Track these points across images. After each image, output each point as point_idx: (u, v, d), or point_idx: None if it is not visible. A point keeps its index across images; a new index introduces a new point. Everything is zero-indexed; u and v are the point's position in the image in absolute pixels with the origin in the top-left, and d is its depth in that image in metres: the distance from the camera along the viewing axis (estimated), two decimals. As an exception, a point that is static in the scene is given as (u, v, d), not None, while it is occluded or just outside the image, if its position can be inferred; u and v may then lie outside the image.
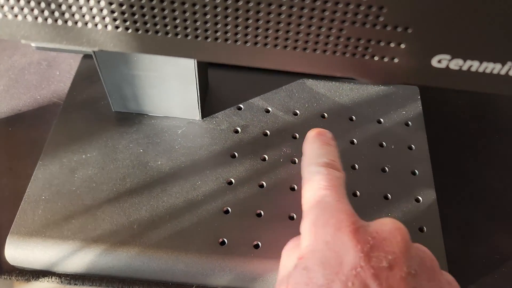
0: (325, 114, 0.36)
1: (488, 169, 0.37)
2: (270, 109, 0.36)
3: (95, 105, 0.36)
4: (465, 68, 0.16)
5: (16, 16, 0.16)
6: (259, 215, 0.31)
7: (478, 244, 0.32)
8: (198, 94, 0.33)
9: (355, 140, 0.35)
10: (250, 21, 0.15)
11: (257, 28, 0.16)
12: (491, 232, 0.33)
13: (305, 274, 0.21)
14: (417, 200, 0.32)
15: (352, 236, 0.21)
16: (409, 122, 0.36)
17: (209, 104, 0.36)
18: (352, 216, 0.22)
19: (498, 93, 0.17)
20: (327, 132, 0.29)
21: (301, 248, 0.23)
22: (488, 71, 0.16)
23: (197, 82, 0.32)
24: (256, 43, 0.16)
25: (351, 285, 0.19)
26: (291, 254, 0.25)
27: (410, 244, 0.22)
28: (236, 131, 0.35)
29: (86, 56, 0.38)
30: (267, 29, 0.16)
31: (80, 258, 0.29)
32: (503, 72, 0.16)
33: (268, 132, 0.35)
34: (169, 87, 0.33)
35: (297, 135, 0.35)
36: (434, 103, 0.40)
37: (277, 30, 0.16)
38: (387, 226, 0.22)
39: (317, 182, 0.25)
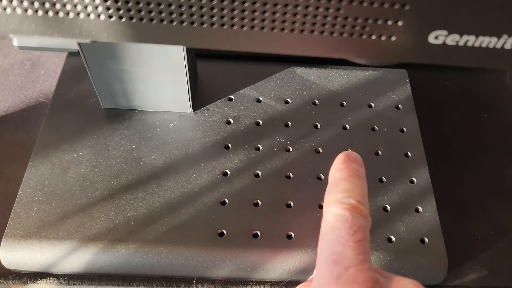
0: (316, 101, 0.36)
1: (478, 147, 0.37)
2: (261, 98, 0.36)
3: (84, 103, 0.35)
4: (461, 43, 0.16)
5: (5, 9, 0.15)
6: (256, 204, 0.31)
7: (473, 221, 0.33)
8: (189, 87, 0.33)
9: (347, 126, 0.35)
10: (247, 4, 0.15)
11: (253, 11, 0.15)
12: (485, 209, 0.34)
13: None
14: (412, 182, 0.33)
15: None
16: (400, 105, 0.36)
17: (199, 96, 0.36)
18: None
19: (494, 67, 0.17)
20: (358, 158, 0.25)
21: None
22: (484, 45, 0.16)
23: (187, 75, 0.32)
24: (253, 27, 0.16)
25: None
26: None
27: None
28: (228, 122, 0.35)
29: (71, 54, 0.38)
30: (264, 12, 0.15)
31: (77, 258, 0.29)
32: (498, 45, 0.16)
33: (260, 121, 0.35)
34: (159, 81, 0.32)
35: (289, 123, 0.35)
36: (423, 85, 0.40)
37: (274, 13, 0.15)
38: None
39: (338, 232, 0.22)
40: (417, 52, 0.16)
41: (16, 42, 0.38)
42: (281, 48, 0.16)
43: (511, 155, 0.37)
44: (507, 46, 0.17)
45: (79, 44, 0.30)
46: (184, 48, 0.29)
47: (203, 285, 0.29)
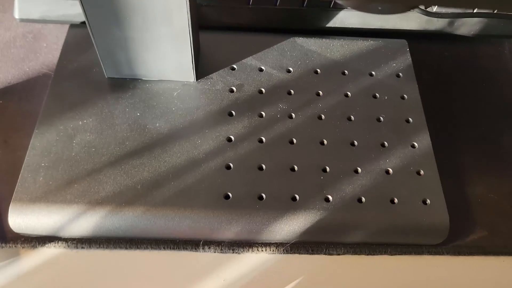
0: (318, 70, 0.37)
1: (477, 115, 0.38)
2: (263, 67, 0.36)
3: (87, 73, 0.35)
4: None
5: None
6: (261, 168, 0.31)
7: (473, 185, 0.33)
8: (193, 55, 0.33)
9: (349, 93, 0.35)
10: None
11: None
12: (486, 173, 0.34)
13: None
14: (413, 146, 0.33)
15: None
16: (400, 74, 0.37)
17: (202, 66, 0.36)
18: None
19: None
20: None
21: None
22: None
23: (191, 42, 0.32)
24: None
25: None
26: None
27: None
28: (232, 91, 0.35)
29: (73, 26, 0.38)
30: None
31: (85, 221, 0.29)
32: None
33: (263, 89, 0.35)
34: (163, 48, 0.32)
35: (292, 91, 0.35)
36: (423, 56, 0.40)
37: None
38: None
39: None
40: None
41: (17, 14, 0.38)
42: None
43: (508, 122, 0.37)
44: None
45: (84, 10, 0.30)
46: (189, 15, 0.30)
47: (209, 247, 0.30)
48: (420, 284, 0.30)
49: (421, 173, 0.32)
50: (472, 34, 0.41)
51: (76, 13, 0.38)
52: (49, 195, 0.29)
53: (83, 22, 0.38)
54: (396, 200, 0.31)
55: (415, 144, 0.33)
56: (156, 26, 0.31)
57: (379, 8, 0.21)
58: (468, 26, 0.40)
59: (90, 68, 0.35)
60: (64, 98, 0.34)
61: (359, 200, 0.30)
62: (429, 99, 0.37)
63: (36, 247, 0.30)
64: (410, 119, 0.34)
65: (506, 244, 0.32)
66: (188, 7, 0.29)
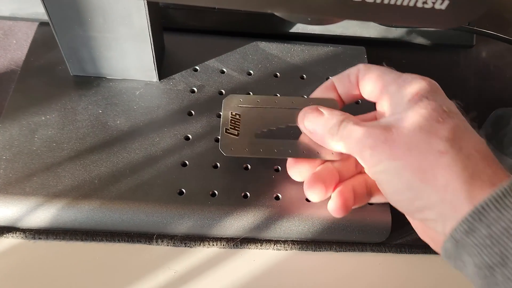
0: (278, 74, 0.38)
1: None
2: (225, 70, 0.38)
3: (53, 70, 0.36)
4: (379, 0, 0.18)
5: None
6: (215, 166, 0.33)
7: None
8: (154, 56, 0.34)
9: (305, 96, 0.37)
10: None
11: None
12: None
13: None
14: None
15: None
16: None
17: (166, 66, 0.37)
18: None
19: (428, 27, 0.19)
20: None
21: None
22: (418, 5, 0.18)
23: (152, 43, 0.33)
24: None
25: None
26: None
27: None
28: (193, 91, 0.36)
29: (42, 24, 0.39)
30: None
31: (43, 213, 0.30)
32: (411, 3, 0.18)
33: (223, 91, 0.36)
34: (125, 48, 0.34)
35: (251, 93, 0.37)
36: (381, 62, 0.42)
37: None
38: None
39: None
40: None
41: (-12, 11, 0.39)
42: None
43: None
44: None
45: (47, 10, 0.31)
46: (147, 16, 0.31)
47: (162, 241, 0.31)
48: (363, 280, 0.32)
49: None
50: (429, 43, 0.42)
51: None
52: (8, 187, 0.30)
53: (52, 21, 0.39)
54: (342, 200, 0.32)
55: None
56: (117, 27, 0.32)
57: (309, 19, 0.22)
58: (425, 35, 0.42)
59: (56, 66, 0.36)
60: (29, 94, 0.35)
61: (308, 199, 0.32)
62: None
63: (-6, 237, 0.31)
64: (362, 123, 0.36)
65: (447, 244, 0.33)
66: (147, 9, 0.30)
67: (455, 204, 0.23)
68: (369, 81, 0.29)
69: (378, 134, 0.26)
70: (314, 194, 0.29)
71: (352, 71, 0.30)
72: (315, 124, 0.29)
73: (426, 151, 0.24)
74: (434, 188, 0.24)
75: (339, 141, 0.28)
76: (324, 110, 0.29)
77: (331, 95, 0.32)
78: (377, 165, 0.26)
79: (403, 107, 0.26)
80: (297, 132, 0.31)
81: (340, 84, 0.31)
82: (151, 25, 0.32)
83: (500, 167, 0.24)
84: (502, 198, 0.22)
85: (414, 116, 0.25)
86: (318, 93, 0.32)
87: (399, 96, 0.27)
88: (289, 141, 0.31)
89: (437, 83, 0.28)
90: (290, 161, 0.31)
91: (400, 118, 0.26)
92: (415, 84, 0.27)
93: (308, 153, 0.31)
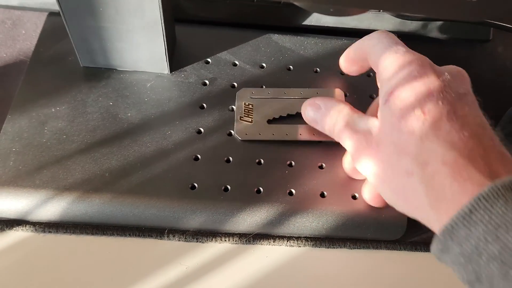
0: (291, 67, 0.37)
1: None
2: (237, 62, 0.37)
3: (63, 61, 0.36)
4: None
5: None
6: (228, 161, 0.32)
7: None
8: (166, 47, 0.33)
9: (317, 92, 0.36)
10: None
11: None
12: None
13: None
14: (378, 145, 0.34)
15: (433, 70, 0.25)
16: (371, 73, 0.38)
17: (177, 58, 0.37)
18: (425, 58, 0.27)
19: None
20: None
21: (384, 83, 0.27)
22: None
23: (164, 35, 0.32)
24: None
25: (441, 103, 0.24)
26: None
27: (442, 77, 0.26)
28: (204, 84, 0.36)
29: (52, 14, 0.38)
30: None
31: (53, 206, 0.30)
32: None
33: (235, 84, 0.36)
34: (136, 39, 0.33)
35: (263, 86, 0.36)
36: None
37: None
38: (454, 69, 0.27)
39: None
40: None
41: (-4, 0, 0.38)
42: None
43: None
44: None
45: (58, 0, 0.30)
46: (160, 7, 0.30)
47: (174, 235, 0.31)
48: (377, 278, 0.31)
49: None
50: (445, 37, 0.42)
51: (55, 1, 0.38)
52: (18, 180, 0.30)
53: (61, 11, 0.38)
54: (357, 196, 0.31)
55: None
56: (129, 17, 0.31)
57: (331, 10, 0.22)
58: (441, 29, 0.41)
59: (66, 57, 0.36)
60: (39, 85, 0.34)
61: (322, 195, 0.31)
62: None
63: (4, 230, 0.30)
64: (377, 118, 0.35)
65: (462, 242, 0.33)
66: (160, 0, 0.30)
67: (430, 223, 0.24)
68: (371, 59, 0.29)
69: (362, 143, 0.27)
70: None
71: (365, 43, 0.30)
72: (314, 117, 0.31)
73: (397, 172, 0.25)
74: (410, 208, 0.25)
75: (338, 140, 0.30)
76: (322, 103, 0.31)
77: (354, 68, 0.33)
78: (365, 171, 0.28)
79: (380, 107, 0.27)
80: None
81: (355, 55, 0.32)
82: (163, 16, 0.31)
83: (470, 175, 0.22)
84: (469, 214, 0.21)
85: (385, 126, 0.26)
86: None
87: (381, 90, 0.27)
88: (299, 125, 0.33)
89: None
90: None
91: (377, 125, 0.27)
92: (394, 75, 0.26)
93: (319, 135, 0.33)
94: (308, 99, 0.32)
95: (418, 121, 0.24)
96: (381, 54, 0.28)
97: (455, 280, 0.31)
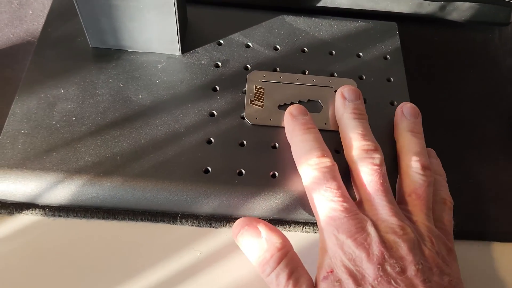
0: (305, 49, 0.36)
1: (461, 101, 0.38)
2: (250, 44, 0.36)
3: (72, 41, 0.35)
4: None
5: None
6: (242, 144, 0.31)
7: (454, 171, 0.33)
8: (178, 27, 0.32)
9: (335, 74, 0.35)
10: None
11: None
12: (466, 159, 0.34)
13: (338, 285, 0.25)
14: (396, 129, 0.33)
15: (367, 253, 0.25)
16: (388, 56, 0.37)
17: (188, 40, 0.36)
18: (362, 231, 0.26)
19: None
20: (300, 109, 0.31)
21: (323, 264, 0.26)
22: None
23: (176, 13, 0.31)
24: None
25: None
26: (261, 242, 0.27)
27: (412, 244, 0.25)
28: (217, 66, 0.35)
29: (60, -7, 0.37)
30: None
31: (63, 190, 0.29)
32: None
33: (249, 66, 0.35)
34: (148, 19, 0.32)
35: (278, 68, 0.35)
36: (412, 39, 0.40)
37: None
38: (390, 236, 0.26)
39: (318, 191, 0.27)
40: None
41: (3, -21, 0.37)
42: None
43: (491, 110, 0.37)
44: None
45: (67, -25, 0.29)
46: (173, -16, 0.29)
47: (187, 220, 0.30)
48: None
49: (402, 155, 0.32)
50: (463, 19, 0.40)
51: (62, -20, 0.37)
52: (27, 162, 0.29)
53: (69, -10, 0.37)
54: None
55: (398, 126, 0.33)
56: (141, -5, 0.30)
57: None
58: (459, 11, 0.40)
59: (75, 37, 0.35)
60: (47, 66, 0.33)
61: (338, 180, 0.30)
62: (415, 83, 0.37)
63: (13, 213, 0.30)
64: (395, 101, 0.34)
65: (482, 230, 0.32)
66: (173, -23, 0.29)
67: None
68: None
69: None
70: None
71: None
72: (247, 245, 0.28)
73: None
74: None
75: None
76: (263, 231, 0.28)
77: None
78: None
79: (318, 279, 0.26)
80: (319, 106, 0.33)
81: None
82: (176, -6, 0.30)
83: None
84: None
85: None
86: None
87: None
88: (311, 113, 0.32)
89: None
90: None
91: None
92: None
93: (329, 125, 0.32)
94: (244, 220, 0.28)
95: None
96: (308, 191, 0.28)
97: (477, 267, 0.31)
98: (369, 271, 0.24)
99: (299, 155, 0.29)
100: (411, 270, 0.24)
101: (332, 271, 0.25)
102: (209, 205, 0.30)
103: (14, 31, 0.37)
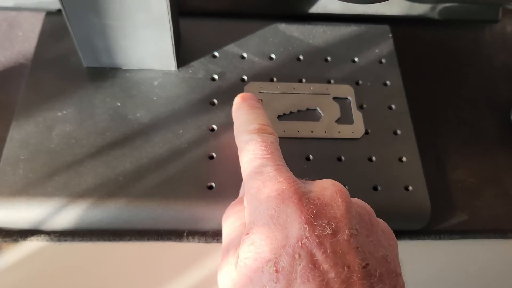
0: (301, 57, 0.36)
1: (457, 99, 0.38)
2: (245, 55, 0.36)
3: (65, 62, 0.34)
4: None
5: None
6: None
7: (454, 170, 0.34)
8: (173, 42, 0.32)
9: (332, 80, 0.35)
10: None
11: None
12: (466, 157, 0.35)
13: (253, 249, 0.21)
14: (395, 133, 0.33)
15: (296, 207, 0.21)
16: (383, 60, 0.37)
17: (183, 54, 0.35)
18: (293, 184, 0.22)
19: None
20: (252, 96, 0.29)
21: (246, 222, 0.23)
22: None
23: (171, 29, 0.31)
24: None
25: (298, 257, 0.20)
26: (234, 222, 0.24)
27: (350, 205, 0.22)
28: (213, 79, 0.35)
29: (50, 13, 0.37)
30: None
31: (67, 214, 0.29)
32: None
33: (245, 77, 0.35)
34: (142, 36, 0.32)
35: (274, 78, 0.35)
36: (404, 41, 0.40)
37: None
38: (328, 191, 0.22)
39: (252, 151, 0.24)
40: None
41: (-10, 1, 0.37)
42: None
43: (487, 107, 0.38)
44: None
45: (59, -3, 0.29)
46: (167, 0, 0.29)
47: (194, 237, 0.30)
48: (403, 268, 0.31)
49: (403, 159, 0.32)
50: (454, 18, 0.41)
51: (51, 0, 0.37)
52: (29, 188, 0.29)
53: (60, 10, 0.36)
54: (379, 187, 0.31)
55: (398, 131, 0.33)
56: (135, 13, 0.30)
57: (360, -3, 0.21)
58: (450, 11, 0.40)
59: (68, 57, 0.35)
60: (42, 88, 0.33)
61: (342, 188, 0.31)
62: (411, 84, 0.37)
63: (18, 240, 0.29)
64: (392, 105, 0.34)
65: (485, 228, 0.32)
66: (167, -6, 0.28)
67: None
68: None
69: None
70: None
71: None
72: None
73: None
74: None
75: None
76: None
77: None
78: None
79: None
80: (318, 114, 0.33)
81: None
82: (170, 9, 0.30)
83: None
84: None
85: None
86: None
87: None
88: (310, 122, 0.33)
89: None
90: None
91: None
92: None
93: (329, 133, 0.32)
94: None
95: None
96: (239, 154, 0.25)
97: (480, 265, 0.31)
98: (292, 230, 0.20)
99: (240, 124, 0.27)
100: (343, 234, 0.21)
101: (248, 233, 0.22)
102: (215, 221, 0.30)
103: (5, 53, 0.37)
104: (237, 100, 0.29)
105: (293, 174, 0.24)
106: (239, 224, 0.24)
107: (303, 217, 0.20)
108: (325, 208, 0.21)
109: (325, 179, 0.23)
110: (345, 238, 0.20)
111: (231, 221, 0.25)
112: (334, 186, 0.22)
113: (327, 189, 0.22)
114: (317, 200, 0.21)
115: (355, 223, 0.21)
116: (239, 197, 0.28)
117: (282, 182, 0.22)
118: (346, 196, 0.22)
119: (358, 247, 0.20)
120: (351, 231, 0.21)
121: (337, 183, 0.23)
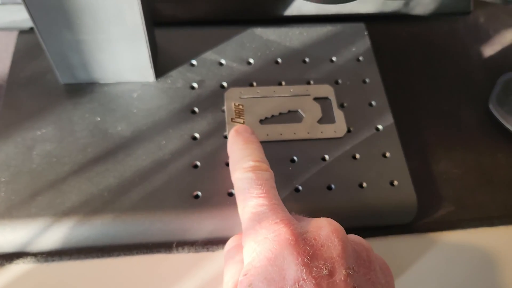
0: (279, 60, 0.36)
1: (436, 92, 0.38)
2: (223, 61, 0.36)
3: (41, 80, 0.34)
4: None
5: None
6: (228, 164, 0.31)
7: (438, 161, 0.34)
8: (150, 53, 0.32)
9: (311, 81, 0.35)
10: None
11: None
12: (448, 148, 0.35)
13: None
14: (377, 129, 0.33)
15: (292, 249, 0.21)
16: (360, 58, 0.37)
17: (160, 64, 0.35)
18: (289, 225, 0.22)
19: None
20: (246, 128, 0.29)
21: (244, 263, 0.23)
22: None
23: (147, 40, 0.31)
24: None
25: None
26: (235, 258, 0.25)
27: (346, 243, 0.22)
28: (193, 87, 0.34)
29: (23, 32, 0.36)
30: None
31: (53, 234, 0.28)
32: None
33: (225, 84, 0.35)
34: (118, 49, 0.31)
35: (254, 83, 0.35)
36: (380, 37, 0.41)
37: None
38: (324, 231, 0.22)
39: (247, 190, 0.25)
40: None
41: (-39, 23, 0.36)
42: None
43: (466, 98, 0.38)
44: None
45: (31, 15, 0.29)
46: (141, 12, 0.29)
47: (183, 248, 0.30)
48: (394, 263, 0.31)
49: (387, 155, 0.32)
50: (428, 13, 0.41)
51: (24, 18, 0.36)
52: (12, 210, 0.28)
53: (33, 28, 0.36)
54: (364, 184, 0.31)
55: (379, 127, 0.33)
56: (109, 26, 0.30)
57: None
58: (423, 5, 0.41)
59: (44, 75, 0.34)
60: (20, 108, 0.32)
61: (329, 188, 0.31)
62: (390, 80, 0.37)
63: (3, 265, 0.29)
64: (373, 102, 0.35)
65: (473, 217, 0.33)
66: (140, 4, 0.28)
67: None
68: None
69: None
70: None
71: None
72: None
73: None
74: None
75: None
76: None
77: None
78: None
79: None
80: (299, 116, 0.33)
81: None
82: (144, 21, 0.30)
83: None
84: None
85: None
86: None
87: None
88: (292, 124, 0.33)
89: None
90: None
91: None
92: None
93: (312, 133, 0.33)
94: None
95: None
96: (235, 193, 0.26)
97: (470, 255, 0.31)
98: (289, 272, 0.21)
99: (235, 161, 0.27)
100: (340, 274, 0.21)
101: (246, 274, 0.22)
102: (203, 230, 0.29)
103: (-21, 75, 0.36)
104: (232, 134, 0.29)
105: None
106: (238, 268, 0.24)
107: (299, 259, 0.21)
108: (322, 248, 0.22)
109: (321, 218, 0.24)
110: (342, 278, 0.21)
111: (231, 257, 0.26)
112: (330, 225, 0.23)
113: (323, 228, 0.23)
114: (313, 241, 0.22)
115: (352, 262, 0.22)
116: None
117: (278, 223, 0.22)
118: (342, 235, 0.22)
119: (355, 287, 0.21)
120: (347, 270, 0.21)
121: (333, 222, 0.23)
